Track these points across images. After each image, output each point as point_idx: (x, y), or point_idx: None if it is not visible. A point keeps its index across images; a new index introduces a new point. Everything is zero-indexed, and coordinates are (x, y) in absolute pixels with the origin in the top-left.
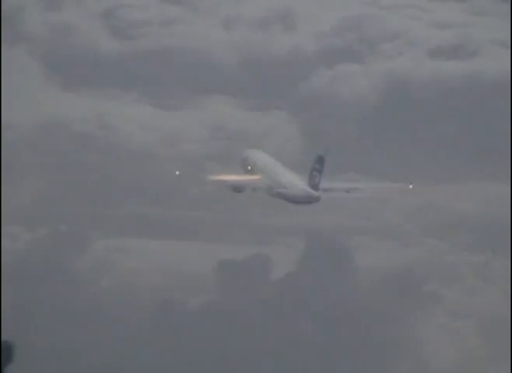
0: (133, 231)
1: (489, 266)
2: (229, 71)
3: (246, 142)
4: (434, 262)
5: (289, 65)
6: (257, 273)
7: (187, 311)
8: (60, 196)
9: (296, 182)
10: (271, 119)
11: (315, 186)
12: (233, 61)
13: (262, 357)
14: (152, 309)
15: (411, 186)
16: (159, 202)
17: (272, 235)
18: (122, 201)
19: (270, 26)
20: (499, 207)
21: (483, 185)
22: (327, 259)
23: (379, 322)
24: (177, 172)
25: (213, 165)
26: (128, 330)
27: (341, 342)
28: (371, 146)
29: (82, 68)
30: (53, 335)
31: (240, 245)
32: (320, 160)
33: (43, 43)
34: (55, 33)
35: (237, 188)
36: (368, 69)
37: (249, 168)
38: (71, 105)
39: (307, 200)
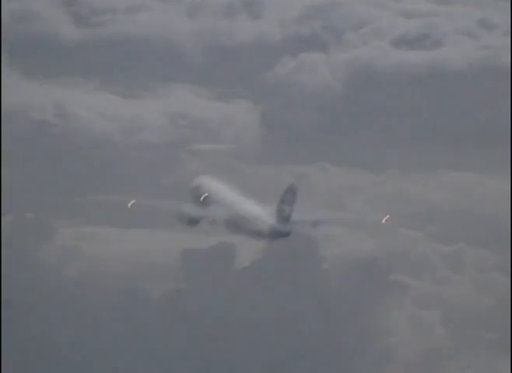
0: (98, 220)
1: (460, 256)
2: (192, 59)
3: (205, 131)
4: (405, 252)
5: (253, 54)
6: (221, 261)
7: (151, 299)
8: (24, 184)
9: (261, 215)
10: (233, 107)
11: (285, 219)
12: (197, 49)
13: (226, 345)
14: (116, 298)
15: (384, 221)
16: (124, 190)
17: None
18: (86, 189)
19: (235, 13)
20: (471, 196)
21: (455, 174)
22: (293, 249)
23: (345, 311)
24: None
25: (174, 153)
26: (91, 319)
27: (306, 331)
28: (335, 135)
29: (44, 56)
30: (16, 322)
31: (205, 234)
32: (291, 190)
33: (4, 30)
34: (16, 19)
35: (192, 220)
36: (332, 58)
37: (203, 198)
38: (31, 93)
39: (276, 236)
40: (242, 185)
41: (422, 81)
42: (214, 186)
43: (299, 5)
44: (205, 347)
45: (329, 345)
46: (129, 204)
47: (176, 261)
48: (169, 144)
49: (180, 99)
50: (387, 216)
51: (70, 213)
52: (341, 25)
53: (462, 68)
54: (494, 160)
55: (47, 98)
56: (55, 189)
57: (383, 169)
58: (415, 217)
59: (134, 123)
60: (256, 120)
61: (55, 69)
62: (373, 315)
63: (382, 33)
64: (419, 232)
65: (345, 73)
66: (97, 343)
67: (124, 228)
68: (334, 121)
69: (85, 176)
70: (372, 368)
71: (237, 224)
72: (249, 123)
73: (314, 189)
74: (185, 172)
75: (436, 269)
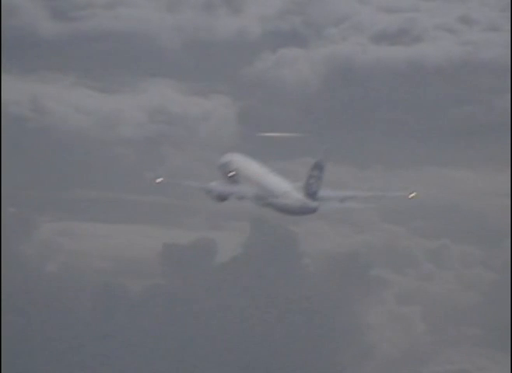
0: (79, 215)
1: (444, 252)
2: (172, 54)
3: (183, 126)
4: (389, 247)
5: (233, 49)
6: (202, 257)
7: (129, 294)
8: (4, 179)
9: (289, 190)
10: (212, 103)
11: (313, 195)
12: (176, 44)
13: (205, 340)
14: (97, 293)
15: (412, 195)
16: (104, 186)
17: (220, 220)
18: (66, 184)
19: (215, 8)
20: (456, 192)
21: (439, 170)
22: (273, 244)
23: (325, 306)
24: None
25: (151, 148)
26: (72, 313)
27: (286, 327)
28: (315, 130)
29: (21, 51)
30: None
31: (186, 230)
32: (319, 166)
33: None
34: None
35: (221, 196)
36: (312, 53)
37: (231, 174)
38: (8, 88)
39: (303, 211)
40: None
41: (401, 77)
42: (242, 162)
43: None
44: (184, 341)
45: (309, 341)
46: (157, 180)
47: (156, 256)
48: (146, 139)
49: (159, 94)
50: (414, 193)
51: (52, 208)
52: (322, 20)
53: (441, 64)
54: (479, 156)
55: (24, 93)
56: (35, 184)
57: (367, 165)
58: (400, 212)
59: (111, 118)
60: (234, 115)
61: (33, 64)
62: (353, 311)
63: (362, 28)
64: (403, 228)
65: (324, 68)
66: (76, 337)
67: (105, 223)
68: (313, 117)
69: (64, 171)
70: (353, 364)
71: (265, 199)
72: (227, 118)
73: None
74: (168, 168)
75: (419, 264)
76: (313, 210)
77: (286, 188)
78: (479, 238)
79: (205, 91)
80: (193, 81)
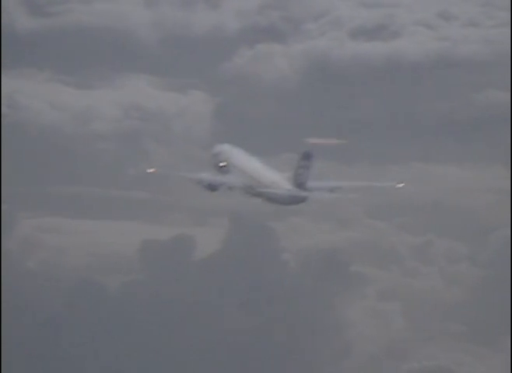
0: (59, 211)
1: (429, 248)
2: (149, 49)
3: (159, 122)
4: (373, 243)
5: (210, 44)
6: (180, 253)
7: (107, 290)
8: None
9: (279, 180)
10: (189, 99)
11: (302, 185)
12: (153, 39)
13: (183, 336)
14: (74, 289)
15: (399, 186)
16: (84, 182)
17: (202, 216)
18: (46, 181)
19: (193, 3)
20: (441, 187)
21: (425, 166)
22: (254, 241)
23: (305, 303)
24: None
25: (127, 144)
26: (48, 309)
27: (266, 322)
28: (294, 126)
29: None
30: None
31: (166, 226)
32: (307, 156)
33: None
34: None
35: (212, 186)
36: (289, 49)
37: (222, 164)
38: None
39: (293, 201)
40: None
41: (378, 72)
42: (232, 153)
43: None
44: (162, 337)
45: (288, 337)
46: (149, 171)
47: (135, 252)
48: (121, 135)
49: (135, 89)
50: (402, 183)
51: (31, 204)
52: (301, 15)
53: (418, 60)
54: (462, 152)
55: None
56: (14, 180)
57: (353, 161)
58: (385, 208)
59: (86, 113)
60: (211, 111)
61: (8, 60)
62: (333, 307)
63: (341, 23)
64: (387, 224)
65: (302, 64)
66: (52, 333)
67: (85, 219)
68: (291, 112)
69: (43, 167)
70: (331, 361)
71: (255, 189)
72: (203, 114)
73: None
74: (148, 163)
75: (404, 260)
76: (302, 200)
77: (276, 178)
78: (464, 234)
79: (182, 86)
80: (170, 77)
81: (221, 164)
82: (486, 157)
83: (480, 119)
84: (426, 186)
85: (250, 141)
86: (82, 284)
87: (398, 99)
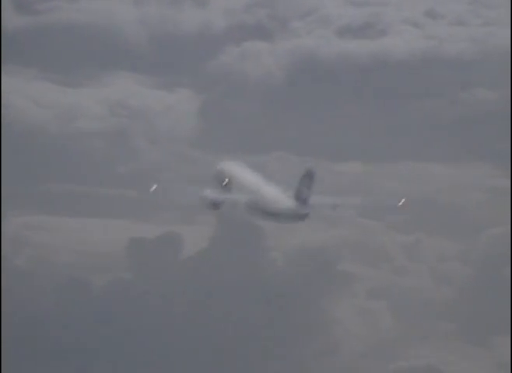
0: (47, 209)
1: (419, 246)
2: (137, 47)
3: (144, 120)
4: (363, 241)
5: (197, 42)
6: (168, 251)
7: (93, 289)
8: None
9: (281, 197)
10: (175, 97)
11: (303, 201)
12: (141, 37)
13: (169, 334)
14: (60, 286)
15: (401, 203)
16: (72, 179)
17: (190, 214)
18: (33, 179)
19: (181, 1)
20: (431, 186)
21: (415, 164)
22: (242, 239)
23: (293, 301)
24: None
25: (106, 142)
26: (34, 306)
27: (253, 320)
28: (279, 123)
29: None
30: None
31: (154, 224)
32: (310, 174)
33: None
34: None
35: (215, 204)
36: (276, 47)
37: (225, 181)
38: None
39: (295, 217)
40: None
41: (365, 71)
42: (236, 170)
43: None
44: (147, 335)
45: (275, 335)
46: (151, 189)
47: (122, 250)
48: (106, 133)
49: (122, 87)
50: (403, 200)
51: (19, 202)
52: (288, 13)
53: (405, 58)
54: (452, 150)
55: None
56: (1, 178)
57: (344, 159)
58: (374, 206)
59: (71, 111)
60: (197, 109)
61: None
62: (322, 305)
63: (328, 21)
64: (378, 222)
65: (288, 62)
66: (37, 330)
67: (73, 217)
68: (277, 110)
69: (30, 165)
70: (318, 359)
71: (258, 206)
72: (189, 112)
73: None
74: (139, 162)
75: (394, 259)
76: (304, 216)
77: (278, 195)
78: (454, 233)
79: (169, 84)
80: (157, 75)
81: (224, 181)
82: (474, 155)
83: (467, 117)
84: (416, 185)
85: (237, 139)
86: (69, 281)
87: (385, 98)
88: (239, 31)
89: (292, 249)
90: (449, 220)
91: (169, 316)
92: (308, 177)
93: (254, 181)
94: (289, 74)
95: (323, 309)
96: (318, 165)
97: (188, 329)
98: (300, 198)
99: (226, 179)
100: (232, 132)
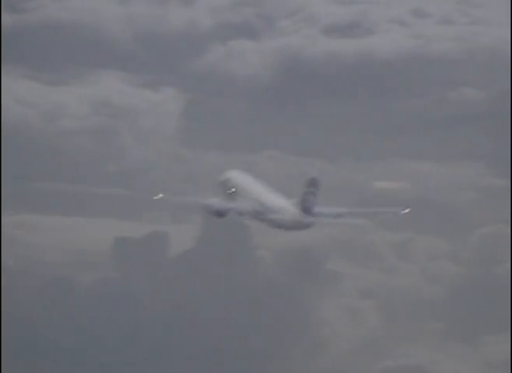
0: (33, 208)
1: (409, 245)
2: (122, 46)
3: (128, 118)
4: (353, 240)
5: (183, 41)
6: (154, 250)
7: (79, 287)
8: None
9: (286, 206)
10: (160, 95)
11: (308, 210)
12: (126, 35)
13: (156, 334)
14: (45, 285)
15: (405, 211)
16: (61, 178)
17: (180, 213)
18: (19, 178)
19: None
20: (422, 184)
21: (406, 162)
22: (229, 237)
23: (280, 300)
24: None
25: (91, 141)
26: (19, 304)
27: (240, 319)
28: (265, 122)
29: None
30: None
31: (142, 223)
32: (314, 182)
33: None
34: None
35: (220, 213)
36: (262, 46)
37: (231, 190)
38: None
39: (298, 226)
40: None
41: (351, 70)
42: (241, 179)
43: None
44: (133, 335)
45: (262, 334)
46: (156, 197)
47: (108, 249)
48: (90, 131)
49: (107, 86)
50: (407, 209)
51: (6, 201)
52: (275, 12)
53: (391, 57)
54: (442, 149)
55: None
56: None
57: (334, 158)
58: (365, 205)
59: (55, 110)
60: (182, 107)
61: None
62: (309, 304)
63: (315, 20)
64: (368, 221)
65: (274, 61)
66: (22, 328)
67: (61, 215)
68: (263, 109)
69: (17, 164)
70: (305, 358)
71: (262, 215)
72: (174, 111)
73: (263, 177)
74: (126, 160)
75: (384, 257)
76: (308, 226)
77: (283, 204)
78: (445, 231)
79: (154, 83)
80: (142, 74)
81: (230, 190)
82: (465, 154)
83: (454, 116)
84: (407, 183)
85: (226, 138)
86: (55, 280)
87: (372, 97)
88: (225, 30)
89: (280, 248)
90: (440, 219)
91: (155, 315)
92: (312, 186)
93: (259, 190)
94: (276, 73)
95: (311, 308)
96: (309, 163)
97: (174, 328)
98: (305, 207)
99: (232, 189)
100: (219, 131)
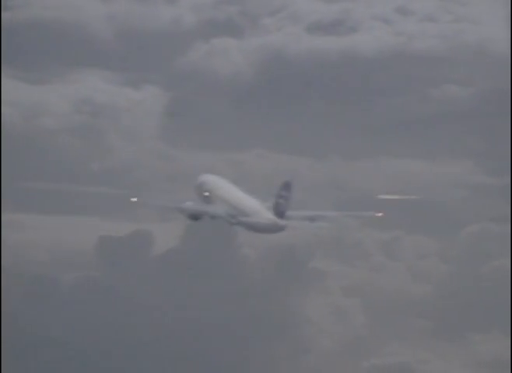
0: (16, 207)
1: (397, 243)
2: (105, 44)
3: (108, 117)
4: (341, 238)
5: (166, 39)
6: (138, 249)
7: (60, 287)
8: None
9: (260, 210)
10: (142, 93)
11: (281, 214)
12: (109, 33)
13: (138, 333)
14: (28, 283)
15: (379, 214)
16: (39, 177)
17: (165, 212)
18: (4, 176)
19: None
20: (410, 182)
21: (395, 161)
22: (212, 236)
23: (264, 298)
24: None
25: (74, 139)
26: (5, 305)
27: (224, 318)
28: (251, 120)
29: None
30: None
31: (126, 221)
32: (287, 186)
33: None
34: None
35: (194, 216)
36: (244, 43)
37: (206, 194)
38: None
39: (271, 229)
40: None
41: (334, 68)
42: (216, 183)
43: None
44: (116, 333)
45: (245, 333)
46: (132, 199)
47: (91, 248)
48: (72, 130)
49: (89, 84)
50: (381, 213)
51: None
52: (259, 10)
53: (374, 54)
54: (428, 147)
55: None
56: None
57: (322, 156)
58: (352, 203)
59: (36, 109)
60: (164, 106)
61: None
62: (294, 303)
63: (298, 18)
64: (355, 219)
65: (257, 59)
66: (7, 329)
67: (45, 214)
68: (246, 107)
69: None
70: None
71: (237, 218)
72: (156, 109)
73: (248, 176)
74: (110, 159)
75: (371, 256)
76: (282, 229)
77: (257, 207)
78: (433, 230)
79: (137, 81)
80: (125, 72)
81: (205, 194)
82: (450, 152)
83: (439, 114)
84: (395, 181)
85: (210, 137)
86: (38, 279)
87: (355, 95)
88: (208, 28)
89: (265, 246)
90: (427, 217)
91: (139, 314)
92: (286, 189)
93: (234, 194)
94: (259, 71)
95: (296, 307)
96: (297, 162)
97: (158, 327)
98: (278, 210)
99: (207, 193)
100: (204, 129)
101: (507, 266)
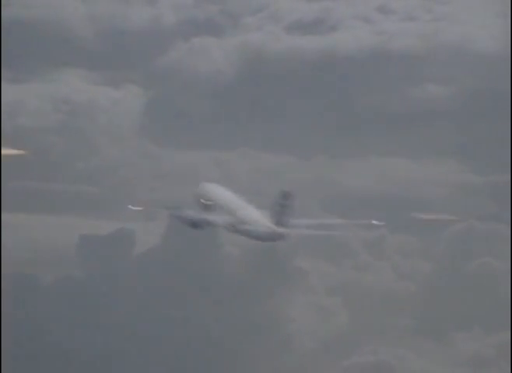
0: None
1: (381, 242)
2: (84, 43)
3: (87, 116)
4: (325, 237)
5: (146, 38)
6: (120, 247)
7: (40, 286)
8: None
9: (260, 219)
10: (121, 93)
11: (281, 223)
12: (88, 32)
13: (120, 332)
14: (10, 283)
15: (378, 223)
16: (20, 176)
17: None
18: None
19: None
20: (395, 181)
21: (381, 160)
22: (195, 235)
23: (246, 297)
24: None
25: (53, 138)
26: None
27: (205, 317)
28: (232, 120)
29: None
30: None
31: (108, 220)
32: (286, 196)
33: None
34: None
35: (195, 224)
36: (225, 43)
37: (206, 203)
38: None
39: (271, 238)
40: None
41: (314, 67)
42: (216, 191)
43: None
44: (96, 333)
45: (228, 332)
46: (132, 207)
47: (72, 247)
48: (51, 129)
49: (68, 84)
50: (380, 222)
51: None
52: (240, 9)
53: (354, 54)
54: (411, 145)
55: None
56: None
57: (308, 155)
58: (338, 202)
59: (13, 108)
60: (144, 105)
61: None
62: (276, 302)
63: (279, 17)
64: (341, 217)
65: (237, 58)
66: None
67: (24, 213)
68: (226, 106)
69: None
70: (272, 356)
71: (237, 227)
72: (136, 108)
73: (233, 175)
74: (95, 158)
75: (355, 255)
76: (281, 237)
77: (257, 216)
78: (417, 228)
79: (116, 80)
80: (104, 71)
81: (205, 202)
82: (434, 151)
83: (419, 113)
84: (380, 180)
85: (193, 135)
86: (17, 278)
87: (336, 93)
88: (188, 27)
89: (248, 244)
90: (412, 216)
91: (120, 313)
92: (285, 199)
93: (235, 203)
94: (240, 70)
95: (278, 306)
96: (282, 160)
97: (139, 326)
98: (278, 219)
99: (208, 201)
100: (186, 128)
101: (492, 264)
